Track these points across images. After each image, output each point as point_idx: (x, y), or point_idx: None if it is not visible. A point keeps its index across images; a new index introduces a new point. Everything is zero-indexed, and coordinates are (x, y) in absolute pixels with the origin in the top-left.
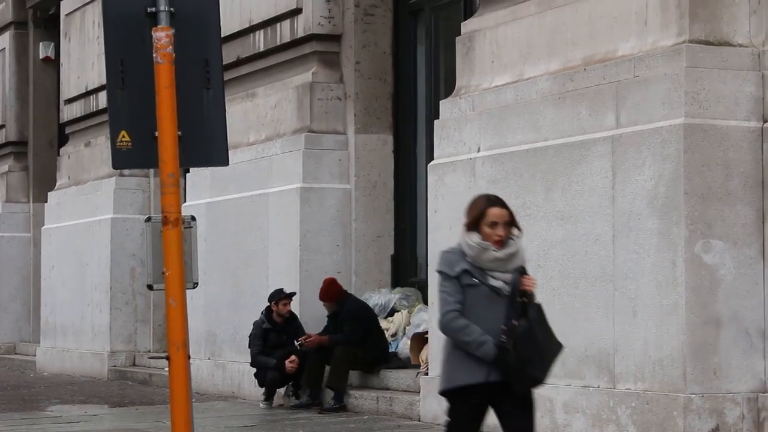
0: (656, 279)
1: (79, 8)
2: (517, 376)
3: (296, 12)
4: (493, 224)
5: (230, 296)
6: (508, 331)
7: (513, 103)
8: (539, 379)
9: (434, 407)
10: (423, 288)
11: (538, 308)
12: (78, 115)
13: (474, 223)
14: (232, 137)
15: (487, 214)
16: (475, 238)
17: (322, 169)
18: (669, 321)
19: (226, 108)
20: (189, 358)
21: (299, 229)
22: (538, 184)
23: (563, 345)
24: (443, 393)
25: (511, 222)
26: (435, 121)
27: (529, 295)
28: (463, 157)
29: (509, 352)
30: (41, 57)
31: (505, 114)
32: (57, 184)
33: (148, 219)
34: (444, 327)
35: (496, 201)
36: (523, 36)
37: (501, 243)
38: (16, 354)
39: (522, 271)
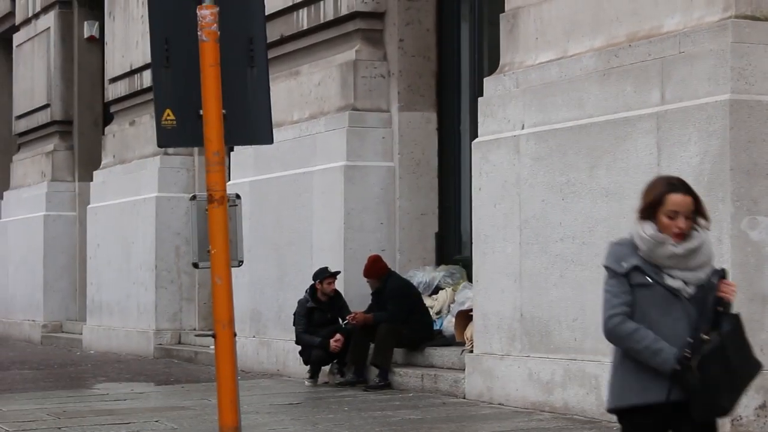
0: None
1: None
2: (698, 402)
3: None
4: (674, 213)
5: (275, 274)
6: (694, 346)
7: (557, 80)
8: (726, 408)
9: (479, 384)
10: (467, 265)
11: (736, 320)
12: (122, 94)
13: (650, 210)
14: (276, 115)
15: (666, 200)
16: (649, 229)
17: (365, 147)
18: None
19: (270, 86)
20: (235, 335)
21: (343, 207)
22: (582, 161)
23: (762, 365)
24: (611, 410)
25: (696, 211)
26: (479, 99)
27: (725, 304)
28: (507, 134)
29: (692, 372)
30: (86, 36)
31: (549, 91)
32: (102, 163)
33: (193, 197)
34: (609, 333)
35: (679, 186)
36: (567, 13)
37: (682, 236)
38: (62, 332)
39: (721, 274)
